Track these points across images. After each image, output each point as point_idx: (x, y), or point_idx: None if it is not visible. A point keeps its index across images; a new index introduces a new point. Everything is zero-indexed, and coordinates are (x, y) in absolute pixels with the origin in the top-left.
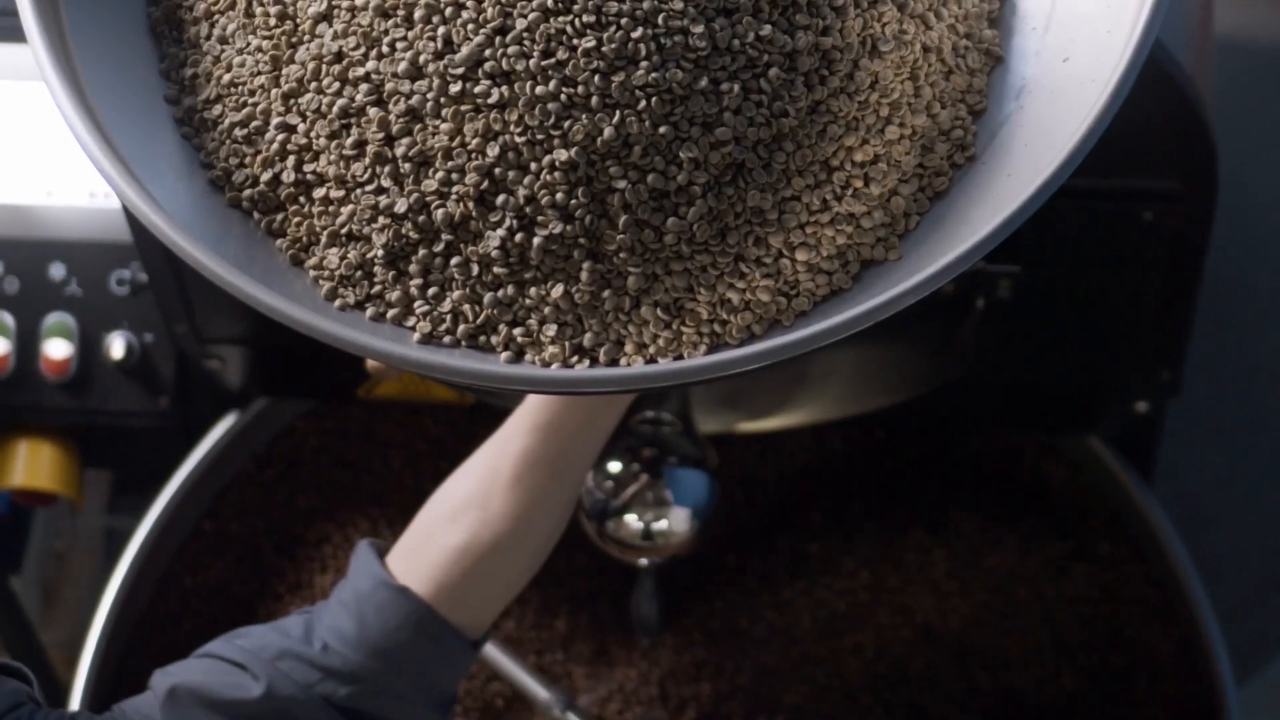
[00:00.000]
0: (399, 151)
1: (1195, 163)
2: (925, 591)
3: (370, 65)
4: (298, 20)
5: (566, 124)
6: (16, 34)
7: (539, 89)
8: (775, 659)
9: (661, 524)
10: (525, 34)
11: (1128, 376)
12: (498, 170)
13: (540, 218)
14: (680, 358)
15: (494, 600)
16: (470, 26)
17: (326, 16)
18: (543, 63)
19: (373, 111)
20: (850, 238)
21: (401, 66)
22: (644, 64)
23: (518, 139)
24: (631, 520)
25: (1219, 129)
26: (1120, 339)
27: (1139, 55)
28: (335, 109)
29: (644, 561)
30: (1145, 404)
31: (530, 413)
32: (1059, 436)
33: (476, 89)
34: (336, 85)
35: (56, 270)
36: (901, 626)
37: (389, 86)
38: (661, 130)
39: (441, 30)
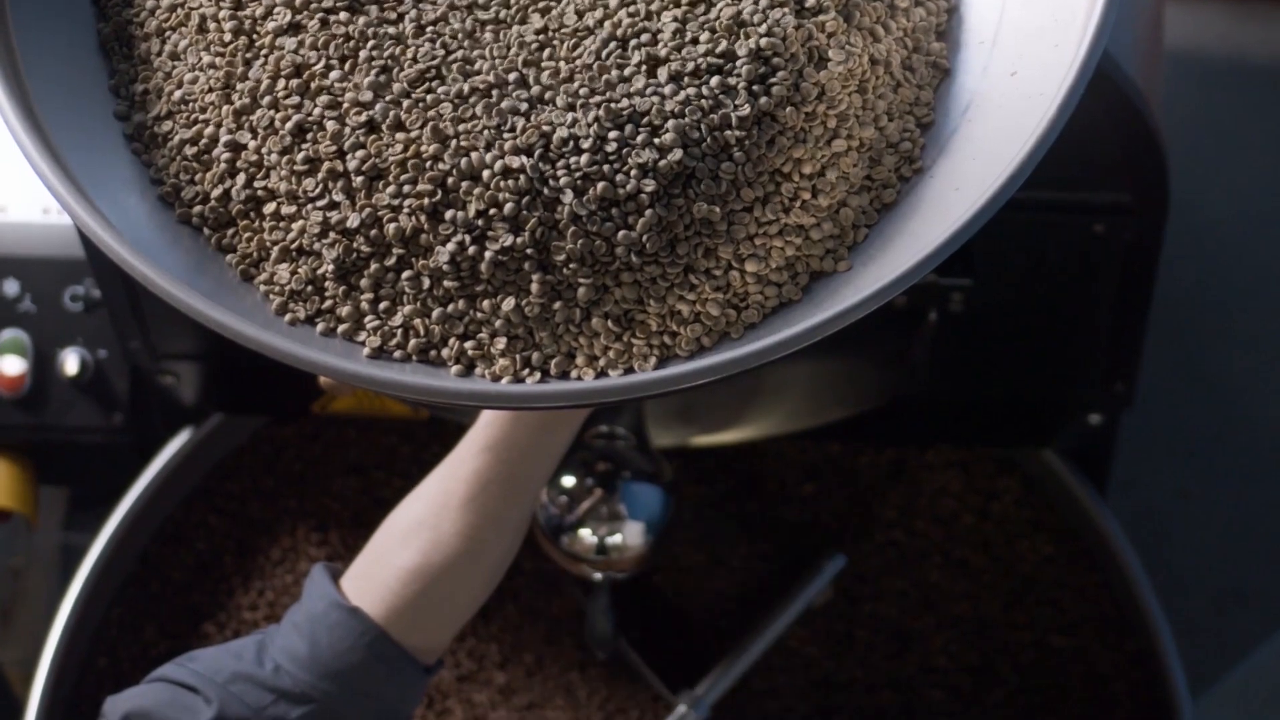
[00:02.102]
0: (351, 165)
1: (1146, 175)
2: (881, 607)
3: (333, 76)
4: (254, 36)
5: (519, 123)
6: None
7: (495, 91)
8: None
9: (616, 538)
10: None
11: (1081, 389)
12: (450, 179)
13: (490, 230)
14: (631, 370)
15: (447, 622)
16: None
17: (288, 29)
18: (502, 68)
19: (330, 125)
20: (799, 249)
21: (368, 79)
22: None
23: (473, 141)
24: (586, 535)
25: (1170, 140)
26: (1073, 351)
27: (1085, 69)
28: (290, 124)
29: (599, 576)
30: (1099, 416)
31: (482, 432)
32: (1013, 449)
33: (431, 95)
34: (295, 99)
35: (10, 286)
36: (856, 643)
37: (349, 97)
38: (611, 135)
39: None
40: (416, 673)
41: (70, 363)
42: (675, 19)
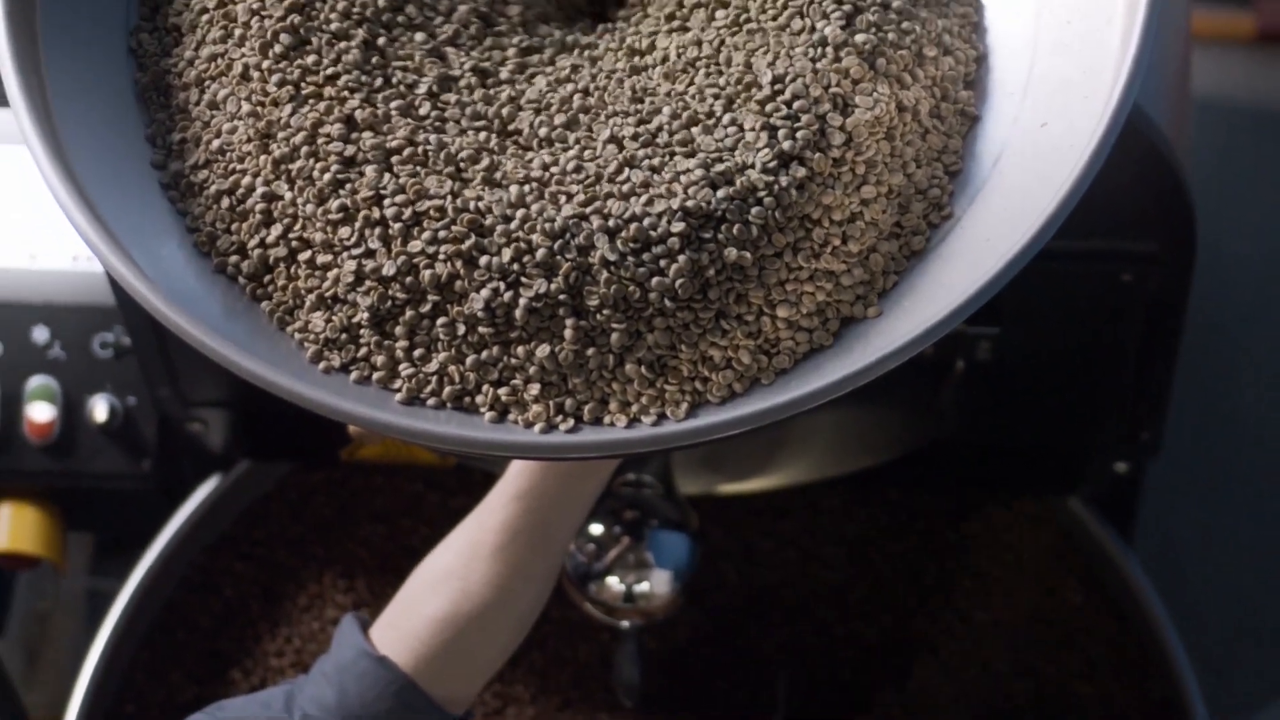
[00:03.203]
0: (389, 212)
1: (1173, 224)
2: (906, 649)
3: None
4: (301, 86)
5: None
6: None
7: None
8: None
9: (643, 586)
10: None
11: (1107, 437)
12: (486, 221)
13: (525, 277)
14: (663, 416)
15: (475, 673)
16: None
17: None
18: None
19: (369, 171)
20: (830, 295)
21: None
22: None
23: (525, 190)
24: (613, 583)
25: (1196, 188)
26: (1100, 400)
27: (1116, 121)
28: (331, 171)
29: (626, 624)
30: (1125, 464)
31: (511, 481)
32: (1039, 497)
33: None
34: (339, 145)
35: (39, 333)
36: (884, 682)
37: (392, 142)
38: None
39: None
40: None
41: (99, 410)
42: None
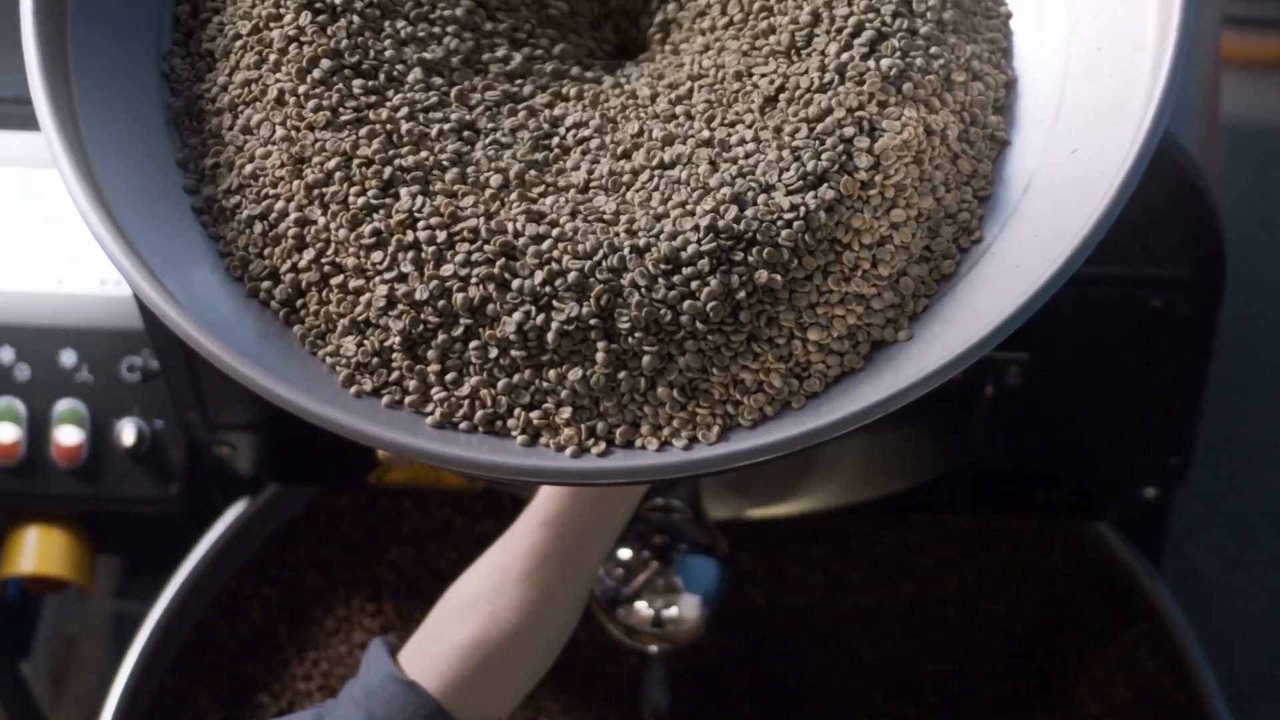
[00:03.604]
0: (422, 235)
1: (1203, 249)
2: (934, 674)
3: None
4: (339, 112)
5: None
6: (29, 122)
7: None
8: None
9: (672, 611)
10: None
11: (1136, 463)
12: (518, 244)
13: (557, 300)
14: (695, 439)
15: (503, 698)
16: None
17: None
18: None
19: (404, 192)
20: (860, 318)
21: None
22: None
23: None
24: (642, 607)
25: (1226, 213)
26: (1129, 425)
27: (1148, 147)
28: (366, 195)
29: (654, 648)
30: (1154, 490)
31: (540, 507)
32: (1067, 522)
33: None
34: (377, 168)
35: (67, 357)
36: (914, 708)
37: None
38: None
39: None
40: None
41: (127, 433)
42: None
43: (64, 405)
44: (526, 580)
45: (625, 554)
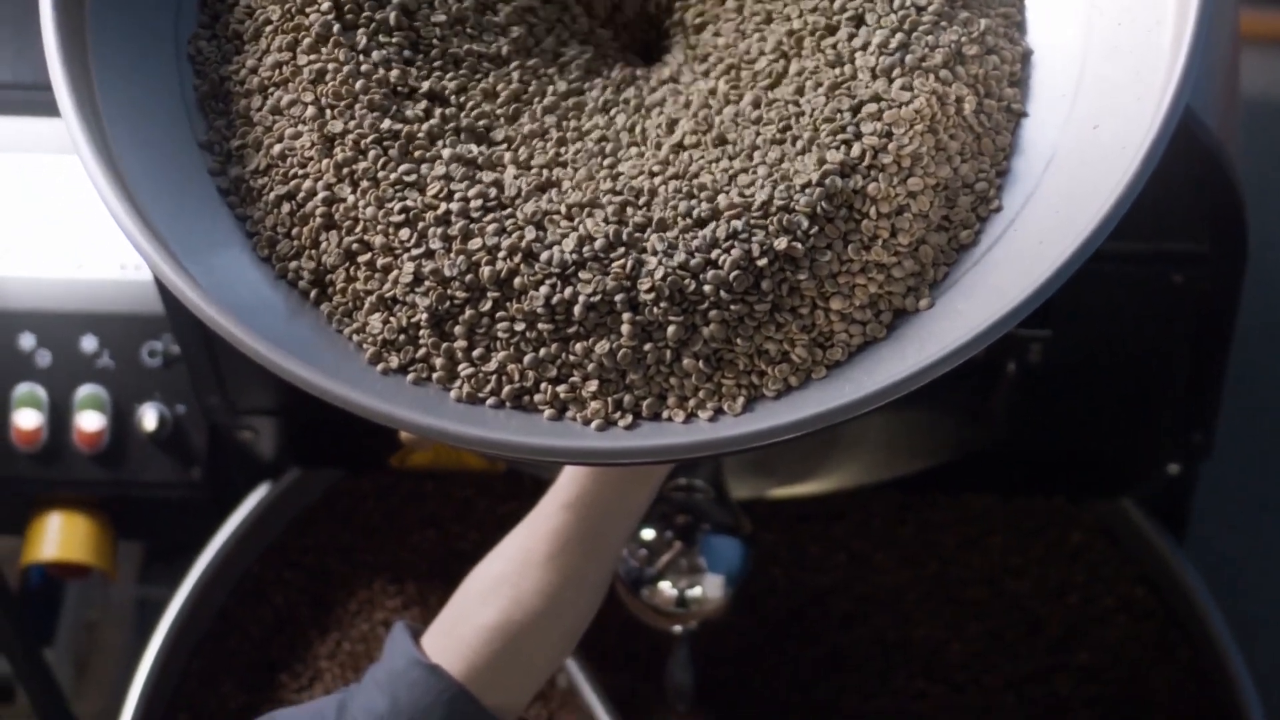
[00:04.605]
0: (455, 207)
1: (1224, 224)
2: (959, 653)
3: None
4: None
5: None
6: (49, 108)
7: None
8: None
9: (696, 591)
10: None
11: (1159, 439)
12: (547, 215)
13: (582, 272)
14: (720, 411)
15: (527, 681)
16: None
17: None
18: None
19: (439, 166)
20: (881, 286)
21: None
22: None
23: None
24: (666, 588)
25: (1246, 187)
26: (1151, 402)
27: (1169, 122)
28: (402, 168)
29: (679, 628)
30: (1177, 466)
31: (563, 489)
32: (1091, 499)
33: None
34: (414, 143)
35: (88, 343)
36: (938, 686)
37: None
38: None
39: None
40: None
41: (148, 418)
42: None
43: (85, 391)
44: (549, 563)
45: (649, 534)
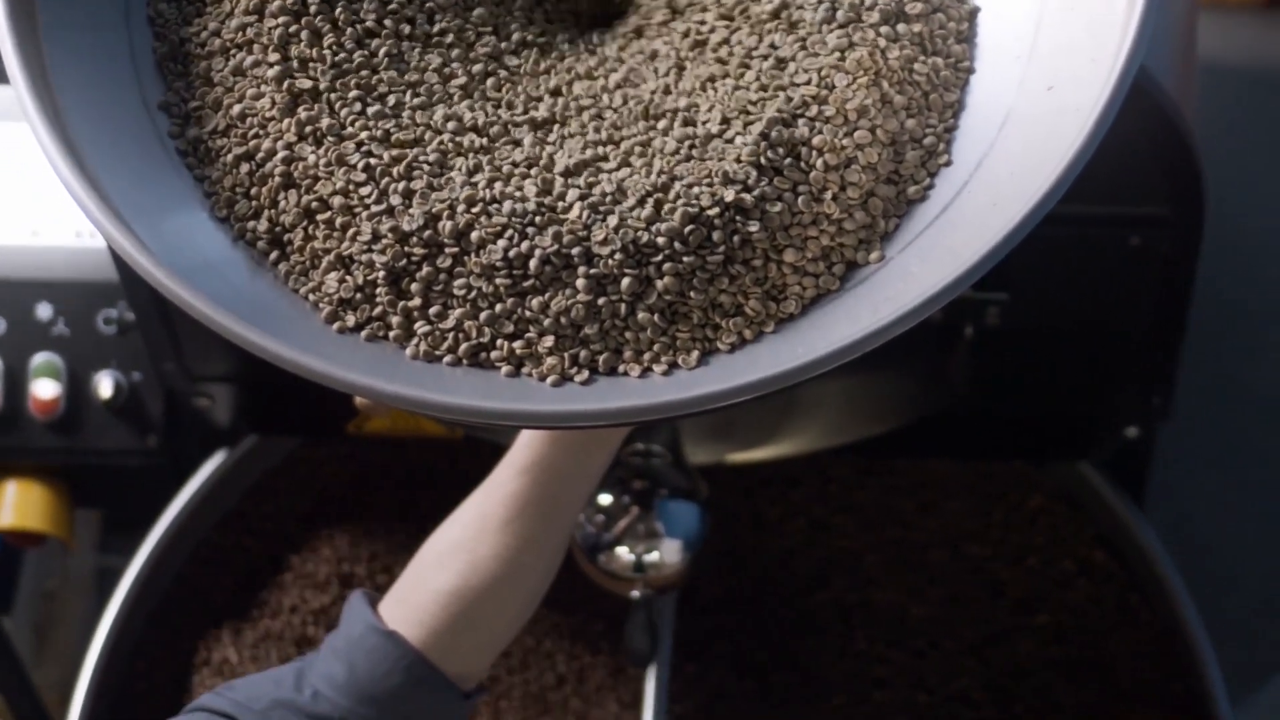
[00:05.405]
0: (431, 158)
1: (1182, 187)
2: (918, 616)
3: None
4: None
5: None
6: None
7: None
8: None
9: (653, 556)
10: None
11: (1118, 402)
12: (504, 170)
13: (536, 225)
14: (675, 365)
15: (485, 647)
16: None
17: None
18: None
19: (406, 114)
20: (833, 238)
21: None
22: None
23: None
24: (623, 553)
25: (1204, 151)
26: (1110, 365)
27: (1123, 83)
28: (372, 117)
29: (636, 593)
30: (1136, 429)
31: (519, 454)
32: (1050, 462)
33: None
34: (385, 89)
35: (43, 310)
36: (898, 649)
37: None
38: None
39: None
40: (455, 698)
41: (104, 386)
42: None
43: (41, 359)
44: (506, 528)
45: (606, 499)
